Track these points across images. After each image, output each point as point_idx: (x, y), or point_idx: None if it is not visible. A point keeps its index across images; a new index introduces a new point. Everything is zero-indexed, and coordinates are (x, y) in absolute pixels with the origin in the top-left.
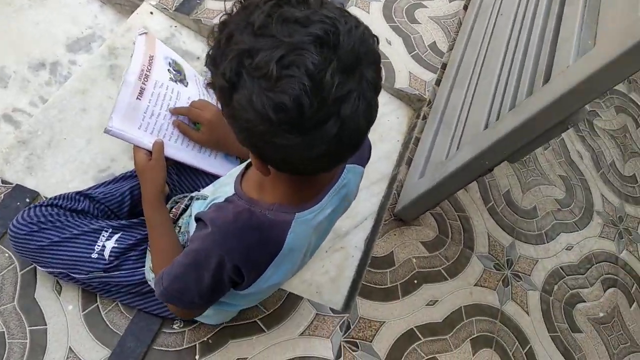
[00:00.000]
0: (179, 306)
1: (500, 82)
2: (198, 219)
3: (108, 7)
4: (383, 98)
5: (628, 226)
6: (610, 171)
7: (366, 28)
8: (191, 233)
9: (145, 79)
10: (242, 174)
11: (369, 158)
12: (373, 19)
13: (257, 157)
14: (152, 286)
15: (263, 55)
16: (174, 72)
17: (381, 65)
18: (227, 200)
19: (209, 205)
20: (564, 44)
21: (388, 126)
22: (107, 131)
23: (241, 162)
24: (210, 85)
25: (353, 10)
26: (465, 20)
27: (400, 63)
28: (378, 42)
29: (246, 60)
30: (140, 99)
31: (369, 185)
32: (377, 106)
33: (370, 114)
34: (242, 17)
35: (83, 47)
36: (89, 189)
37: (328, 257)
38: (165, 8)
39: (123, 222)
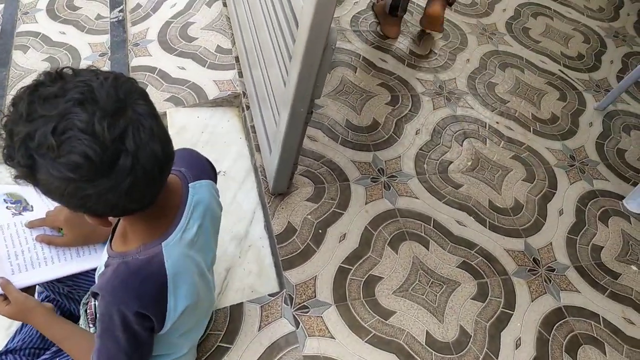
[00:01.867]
0: None
1: (274, 44)
2: (94, 294)
3: None
4: (207, 112)
5: (449, 89)
6: (413, 58)
7: (117, 76)
8: None
9: None
10: (110, 240)
11: (214, 170)
12: (157, 57)
13: (90, 215)
14: None
15: (40, 133)
16: (14, 205)
17: (149, 97)
18: (105, 265)
19: (98, 277)
20: None
21: (226, 131)
22: None
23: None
24: (17, 177)
25: (138, 60)
26: (230, 13)
27: (202, 78)
28: (134, 81)
29: (30, 143)
30: None
31: (240, 186)
32: (162, 130)
33: (158, 138)
34: (14, 113)
35: None
36: (6, 345)
37: (244, 259)
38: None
39: (52, 350)
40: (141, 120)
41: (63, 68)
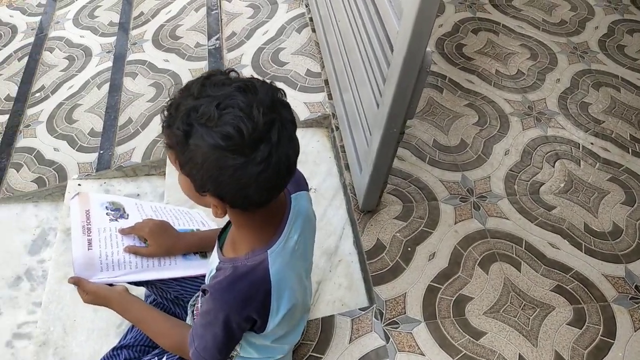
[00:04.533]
0: None
1: (367, 68)
2: (203, 290)
3: (42, 202)
4: (299, 133)
5: (538, 109)
6: (500, 79)
7: (272, 83)
8: None
9: (89, 232)
10: (220, 246)
11: (306, 182)
12: None
13: (214, 195)
14: None
15: (204, 107)
16: (113, 212)
17: (292, 108)
18: (217, 269)
19: (209, 279)
20: (386, 16)
21: (316, 151)
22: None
23: (201, 256)
24: (167, 145)
25: None
26: (319, 39)
27: (293, 100)
28: (284, 94)
29: (193, 114)
30: (91, 249)
31: (330, 203)
32: (297, 140)
33: (293, 144)
34: (184, 92)
35: (42, 244)
36: (119, 341)
37: (334, 274)
38: (88, 175)
39: (160, 348)
40: (285, 122)
41: (231, 70)
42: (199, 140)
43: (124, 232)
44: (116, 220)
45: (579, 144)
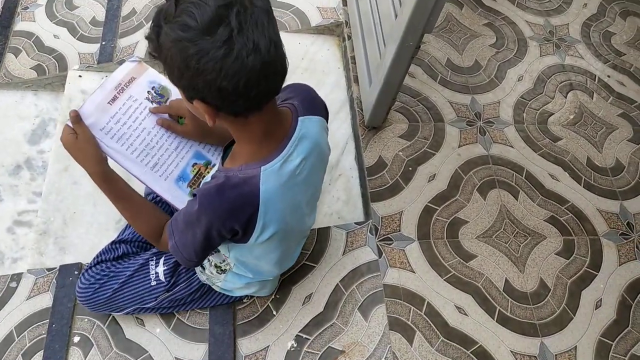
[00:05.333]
0: (181, 261)
1: None
2: (194, 195)
3: (41, 92)
4: (308, 39)
5: (559, 35)
6: None
7: None
8: None
9: (121, 91)
10: (223, 159)
11: (327, 111)
12: None
13: (197, 98)
14: (208, 282)
15: (167, 5)
16: (155, 94)
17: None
18: (212, 177)
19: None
20: None
21: (325, 60)
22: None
23: (191, 192)
24: (151, 56)
25: None
26: None
27: (305, 4)
28: None
29: (159, 16)
30: (111, 104)
31: (335, 116)
32: (271, 28)
33: (265, 30)
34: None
35: (42, 135)
36: (118, 236)
37: (333, 187)
38: (89, 66)
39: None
40: (253, 9)
41: None
42: (164, 37)
43: (159, 110)
44: (151, 102)
45: (595, 76)
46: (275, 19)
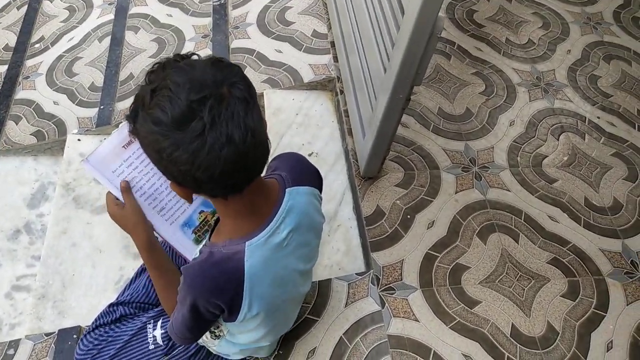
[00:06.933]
0: (175, 340)
1: (376, 31)
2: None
3: (41, 156)
4: (302, 95)
5: (547, 80)
6: (510, 48)
7: (221, 59)
8: None
9: (128, 144)
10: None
11: (319, 179)
12: (256, 40)
13: (171, 179)
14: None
15: (142, 92)
16: None
17: (252, 87)
18: (199, 252)
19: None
20: None
21: (319, 114)
22: (84, 161)
23: (195, 239)
24: (130, 130)
25: (237, 42)
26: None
27: (297, 62)
28: (238, 70)
29: (137, 100)
30: (125, 148)
31: (331, 167)
32: (250, 119)
33: (239, 123)
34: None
35: (41, 198)
36: (117, 298)
37: (332, 238)
38: (88, 130)
39: (157, 309)
40: (229, 100)
41: (193, 54)
42: (139, 125)
43: None
44: None
45: (585, 118)
46: (257, 105)
